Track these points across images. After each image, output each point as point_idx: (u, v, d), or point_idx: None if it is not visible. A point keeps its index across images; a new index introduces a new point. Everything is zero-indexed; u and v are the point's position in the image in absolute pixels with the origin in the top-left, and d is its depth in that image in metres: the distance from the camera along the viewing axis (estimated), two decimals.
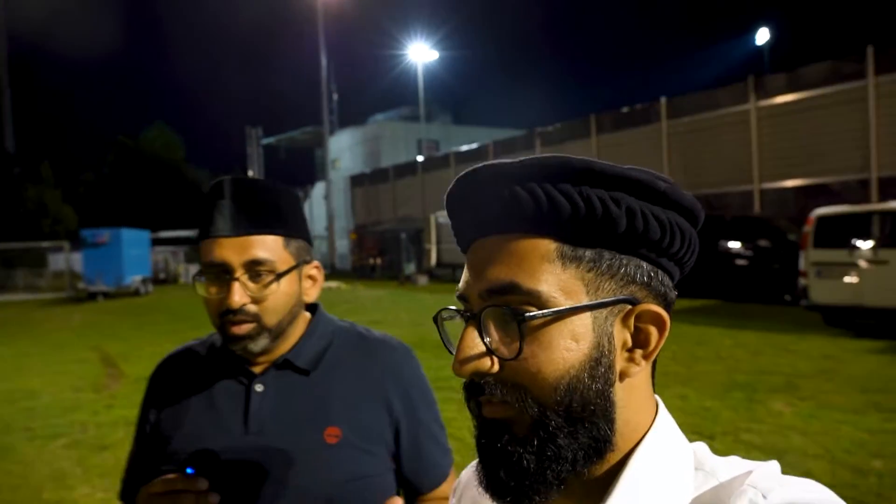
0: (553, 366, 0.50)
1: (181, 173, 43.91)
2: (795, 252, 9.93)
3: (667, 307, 0.54)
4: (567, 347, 0.50)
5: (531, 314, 0.50)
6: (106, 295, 20.96)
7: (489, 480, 0.53)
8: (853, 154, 13.84)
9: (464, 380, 0.54)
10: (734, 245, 12.75)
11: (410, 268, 23.98)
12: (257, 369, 1.06)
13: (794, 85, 15.05)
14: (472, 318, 0.53)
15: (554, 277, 0.51)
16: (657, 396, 0.57)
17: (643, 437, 0.54)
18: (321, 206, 49.83)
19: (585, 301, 0.51)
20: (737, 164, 15.80)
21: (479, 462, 0.54)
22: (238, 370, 1.07)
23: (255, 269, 1.00)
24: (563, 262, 0.51)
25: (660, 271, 0.54)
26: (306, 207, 54.48)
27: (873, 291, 8.21)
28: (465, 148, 27.45)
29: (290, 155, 66.17)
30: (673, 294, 0.56)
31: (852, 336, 8.40)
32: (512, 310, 0.50)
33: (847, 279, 8.49)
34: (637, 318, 0.53)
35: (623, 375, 0.52)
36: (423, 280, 21.01)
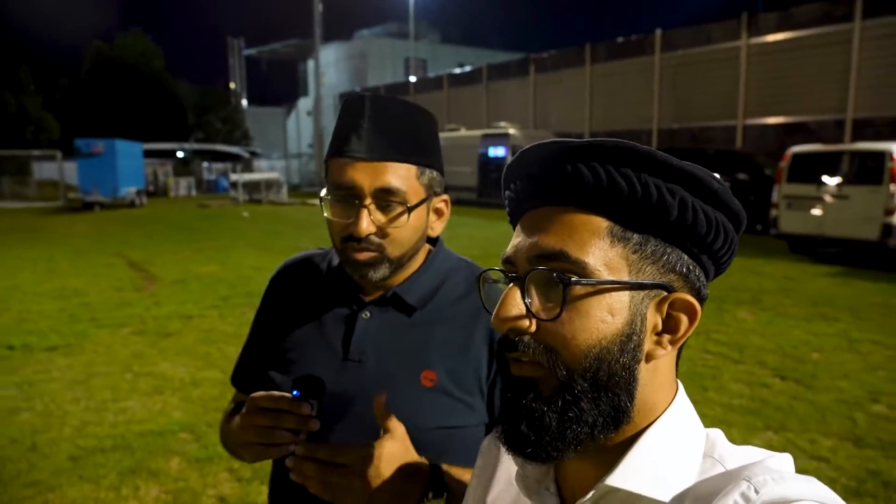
0: (587, 333, 0.52)
1: (161, 83, 42.85)
2: (770, 186, 10.87)
3: (700, 301, 0.56)
4: (603, 319, 0.52)
5: (575, 280, 0.52)
6: (102, 205, 21.32)
7: (510, 434, 0.55)
8: (832, 95, 14.57)
9: (502, 338, 0.56)
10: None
11: None
12: (368, 297, 1.05)
13: (785, 24, 15.54)
14: (518, 280, 0.55)
15: (601, 252, 0.53)
16: (679, 381, 0.60)
17: (659, 416, 0.56)
18: (307, 121, 49.38)
19: (626, 279, 0.53)
20: (724, 100, 16.45)
21: (503, 416, 0.57)
22: (350, 293, 1.06)
23: (386, 198, 0.97)
24: (612, 240, 0.54)
25: (698, 266, 0.57)
26: (290, 123, 53.88)
27: (834, 223, 9.24)
28: (458, 70, 27.47)
29: (273, 68, 64.61)
30: (706, 291, 0.58)
31: (812, 261, 9.49)
32: (559, 274, 0.52)
33: (813, 211, 9.48)
34: (671, 305, 0.55)
35: (650, 357, 0.55)
36: None
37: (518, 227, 0.59)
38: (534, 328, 0.54)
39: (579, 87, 20.23)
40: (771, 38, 15.80)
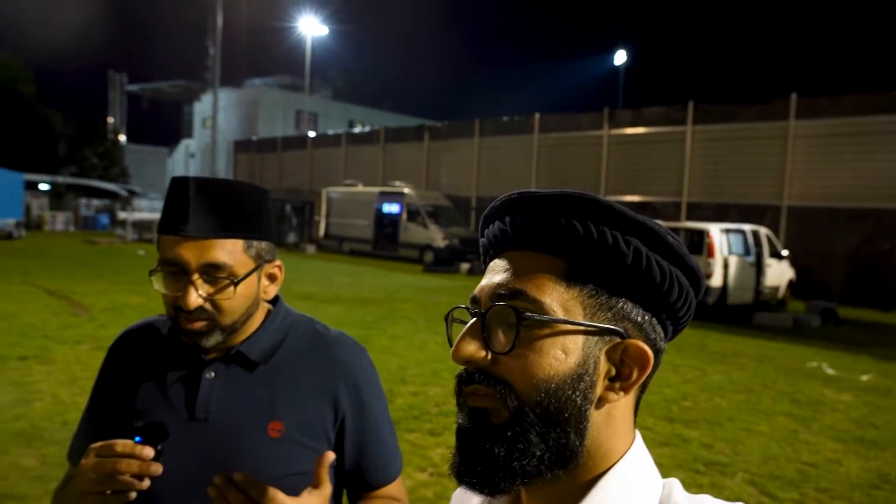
0: (540, 369, 0.55)
1: (33, 110, 40.62)
2: None
3: (656, 352, 0.58)
4: (556, 356, 0.55)
5: (530, 315, 0.55)
6: None
7: (461, 464, 0.57)
8: (672, 181, 17.81)
9: (460, 372, 0.59)
10: None
11: (291, 237, 25.39)
12: (211, 356, 1.07)
13: (637, 120, 18.86)
14: (479, 315, 0.58)
15: (558, 294, 0.56)
16: (637, 431, 0.60)
17: (615, 462, 0.57)
18: (188, 164, 48.44)
19: (581, 321, 0.56)
20: (589, 177, 19.36)
21: (456, 447, 0.58)
22: (193, 355, 1.07)
23: (212, 273, 1.01)
24: (569, 284, 0.56)
25: (654, 319, 0.58)
26: (169, 165, 52.43)
27: None
28: (356, 130, 29.16)
29: (156, 107, 62.85)
30: (662, 344, 0.59)
31: None
32: (514, 309, 0.55)
33: None
34: (623, 352, 0.57)
35: (602, 401, 0.56)
36: (311, 249, 22.64)
37: (487, 269, 0.62)
38: (490, 362, 0.56)
39: (468, 156, 22.58)
40: (627, 130, 19.04)
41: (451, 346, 0.60)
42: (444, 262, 18.48)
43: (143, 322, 1.19)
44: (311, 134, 31.66)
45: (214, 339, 1.04)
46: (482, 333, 0.57)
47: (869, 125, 14.84)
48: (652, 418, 5.24)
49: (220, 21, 30.42)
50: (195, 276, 1.01)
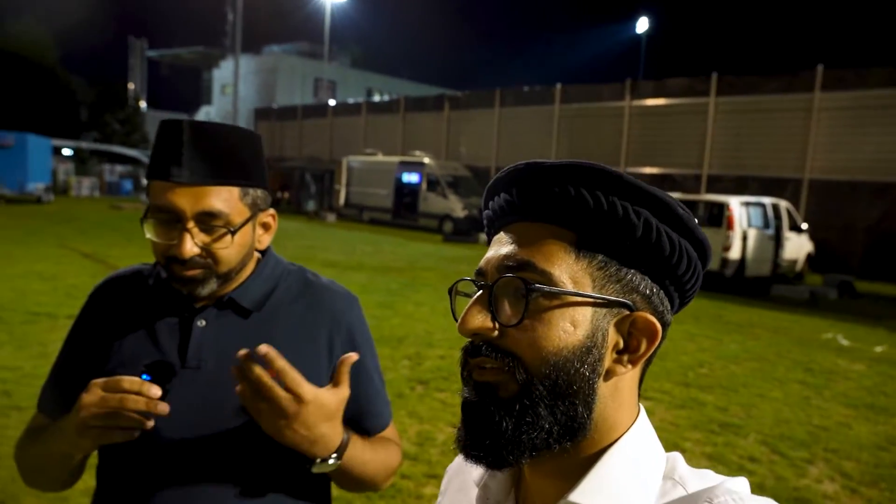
0: (548, 342, 0.54)
1: (56, 77, 41.02)
2: None
3: (664, 325, 0.58)
4: (564, 329, 0.54)
5: (538, 288, 0.54)
6: (7, 200, 20.79)
7: (467, 438, 0.57)
8: (693, 153, 17.76)
9: (466, 344, 0.58)
10: None
11: (311, 205, 25.70)
12: (202, 303, 1.05)
13: (659, 91, 18.72)
14: (486, 288, 0.57)
15: (566, 266, 0.55)
16: (641, 405, 0.61)
17: (620, 436, 0.57)
18: None
19: (590, 293, 0.55)
20: (609, 149, 19.34)
21: (462, 421, 0.58)
22: (182, 303, 1.05)
23: (208, 221, 0.98)
24: (578, 256, 0.56)
25: (662, 290, 0.58)
26: None
27: None
28: (377, 99, 29.16)
29: (176, 73, 63.09)
30: (669, 316, 0.59)
31: None
32: (523, 281, 0.55)
33: None
34: (632, 324, 0.56)
35: (610, 374, 0.56)
36: (331, 217, 22.92)
37: (493, 240, 0.62)
38: (496, 333, 0.56)
39: (488, 126, 22.57)
40: (648, 101, 18.93)
41: (455, 319, 0.59)
42: (463, 232, 18.68)
43: (129, 269, 1.16)
44: (332, 102, 31.74)
45: (209, 288, 1.02)
46: (489, 306, 0.57)
47: (894, 98, 14.66)
48: (669, 383, 5.48)
49: None
50: (190, 224, 0.98)
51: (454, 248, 16.21)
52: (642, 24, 44.09)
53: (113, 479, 1.04)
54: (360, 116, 27.94)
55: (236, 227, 1.01)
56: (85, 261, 10.29)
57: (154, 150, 1.00)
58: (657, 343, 0.57)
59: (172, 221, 0.98)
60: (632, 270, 0.57)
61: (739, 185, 16.23)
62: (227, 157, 1.00)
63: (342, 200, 23.79)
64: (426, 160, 20.80)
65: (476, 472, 0.65)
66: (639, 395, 0.61)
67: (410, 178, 21.19)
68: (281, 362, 0.87)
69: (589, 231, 0.56)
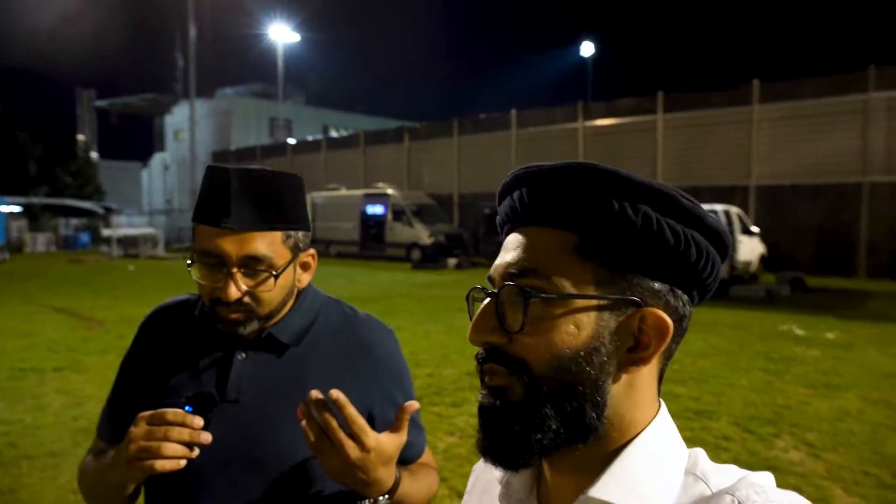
0: (551, 345, 0.55)
1: (0, 131, 40.22)
2: None
3: (678, 319, 0.57)
4: (568, 332, 0.55)
5: (537, 294, 0.55)
6: None
7: (484, 440, 0.58)
8: (645, 168, 18.53)
9: (477, 351, 0.60)
10: None
11: None
12: (243, 337, 1.08)
13: (610, 112, 19.61)
14: (493, 295, 0.58)
15: (569, 269, 0.56)
16: (661, 400, 0.60)
17: (639, 433, 0.57)
18: (159, 178, 48.06)
19: (592, 294, 0.55)
20: None
21: (479, 424, 0.59)
22: (225, 336, 1.08)
23: (252, 265, 1.01)
24: (581, 257, 0.56)
25: (673, 284, 0.57)
26: (144, 179, 52.07)
27: None
28: (336, 135, 29.54)
29: (126, 121, 62.39)
30: (687, 309, 0.58)
31: None
32: (521, 289, 0.56)
33: None
34: (641, 321, 0.56)
35: (621, 373, 0.56)
36: None
37: (502, 246, 0.62)
38: (505, 340, 0.57)
39: (448, 155, 23.15)
40: (600, 122, 19.78)
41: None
42: (431, 258, 19.01)
43: (175, 300, 1.19)
44: (291, 141, 31.95)
45: (251, 328, 1.05)
46: (496, 313, 0.58)
47: (826, 106, 15.73)
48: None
49: (192, 32, 30.52)
50: (234, 269, 1.01)
51: (424, 274, 16.48)
52: (587, 49, 45.76)
53: (158, 495, 1.06)
54: (321, 153, 28.23)
55: (279, 271, 1.04)
56: (59, 315, 10.19)
57: (201, 195, 1.04)
58: (668, 339, 0.56)
59: (218, 265, 1.02)
60: (637, 267, 0.56)
61: (692, 195, 16.88)
62: (271, 203, 1.03)
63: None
64: (390, 191, 21.15)
65: (497, 471, 0.65)
66: (659, 390, 0.61)
67: (375, 209, 21.48)
68: (350, 409, 0.88)
69: (590, 232, 0.56)
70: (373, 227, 21.55)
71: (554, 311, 0.55)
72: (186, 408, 0.91)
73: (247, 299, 1.03)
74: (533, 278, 0.56)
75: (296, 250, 1.08)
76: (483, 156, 22.29)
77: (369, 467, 0.90)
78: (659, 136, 18.40)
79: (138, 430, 0.90)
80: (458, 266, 18.22)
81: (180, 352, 1.10)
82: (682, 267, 0.57)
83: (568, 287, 0.56)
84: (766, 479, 0.55)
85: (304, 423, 0.90)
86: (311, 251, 1.14)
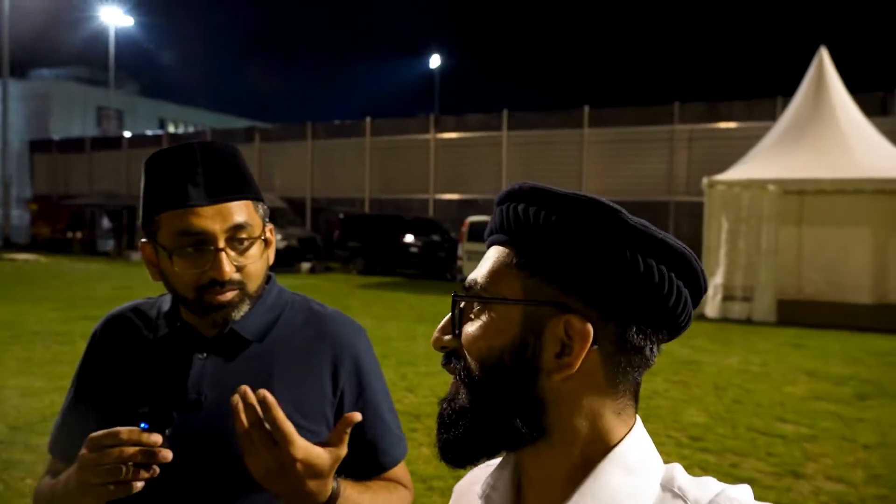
0: (480, 347, 0.59)
1: None
2: (455, 245, 14.99)
3: (618, 337, 0.57)
4: (494, 334, 0.59)
5: (459, 296, 0.62)
6: None
7: (437, 440, 0.62)
8: (492, 180, 19.97)
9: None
10: (410, 238, 17.54)
11: (109, 244, 23.80)
12: (204, 334, 1.04)
13: (460, 126, 20.80)
14: (454, 303, 0.63)
15: (504, 278, 0.60)
16: (637, 416, 0.61)
17: (614, 447, 0.58)
18: None
19: (518, 298, 0.59)
20: (419, 178, 20.91)
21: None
22: (184, 337, 1.04)
23: (238, 235, 0.99)
24: (516, 268, 0.60)
25: (607, 291, 0.57)
26: None
27: None
28: (181, 130, 27.84)
29: None
30: (638, 336, 0.57)
31: None
32: (454, 295, 0.62)
33: None
34: (567, 327, 0.57)
35: (551, 376, 0.57)
36: (136, 256, 21.46)
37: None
38: (454, 344, 0.62)
39: (302, 158, 22.92)
40: (451, 135, 20.89)
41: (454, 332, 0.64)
42: (284, 262, 18.80)
43: (128, 305, 1.13)
44: (127, 134, 29.60)
45: (243, 310, 1.01)
46: (451, 319, 0.63)
47: (641, 133, 18.11)
48: None
49: (6, 4, 27.29)
50: (222, 244, 0.97)
51: (278, 278, 16.26)
52: (435, 61, 47.35)
53: None
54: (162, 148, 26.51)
55: (264, 237, 1.03)
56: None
57: (156, 182, 0.99)
58: (588, 344, 0.56)
59: (203, 245, 0.97)
60: (565, 274, 0.57)
61: None
62: (234, 171, 1.01)
63: None
64: None
65: (478, 487, 0.67)
66: (635, 406, 0.61)
67: None
68: (276, 413, 0.82)
69: (521, 244, 0.60)
70: None
71: (482, 315, 0.61)
72: (142, 425, 0.85)
73: (237, 275, 0.99)
74: (476, 289, 0.62)
75: (264, 221, 1.06)
76: (337, 161, 22.45)
77: (295, 478, 0.84)
78: (504, 152, 19.88)
79: (89, 453, 0.84)
80: (312, 270, 18.24)
81: (136, 359, 1.06)
82: (616, 272, 0.57)
83: (497, 294, 0.60)
84: (745, 492, 0.56)
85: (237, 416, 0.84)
86: (271, 226, 1.10)
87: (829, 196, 10.54)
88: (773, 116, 14.41)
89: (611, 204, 0.59)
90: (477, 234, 13.92)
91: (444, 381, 6.15)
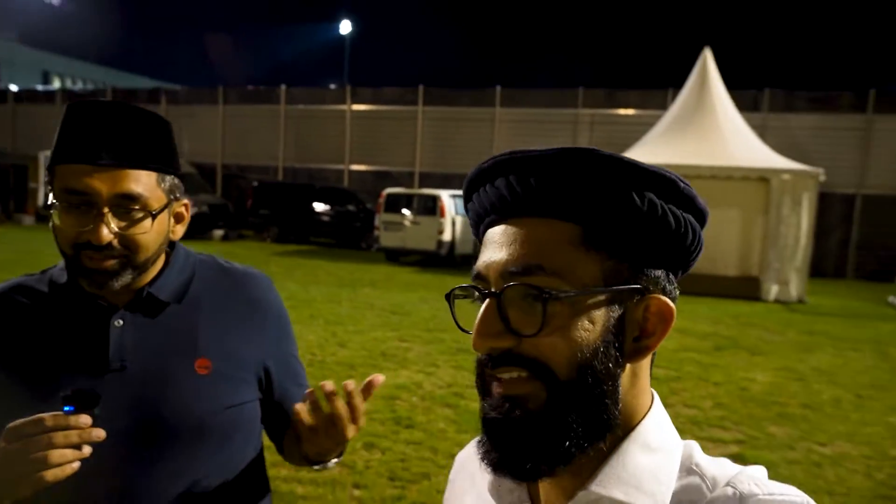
0: (570, 344, 0.52)
1: None
2: (372, 216, 15.53)
3: (673, 301, 0.56)
4: (584, 328, 0.53)
5: (555, 293, 0.52)
6: None
7: (499, 455, 0.54)
8: (407, 153, 20.56)
9: (480, 357, 0.56)
10: (322, 207, 17.86)
11: None
12: (116, 303, 1.00)
13: (376, 99, 21.11)
14: (493, 296, 0.54)
15: (577, 262, 0.53)
16: (653, 389, 0.59)
17: (637, 424, 0.56)
18: None
19: (602, 286, 0.54)
20: (334, 148, 21.10)
21: (487, 437, 0.55)
22: (91, 306, 1.00)
23: (126, 204, 0.94)
24: (586, 248, 0.54)
25: (669, 269, 0.57)
26: None
27: (412, 240, 14.25)
28: (79, 87, 26.12)
29: None
30: (676, 291, 0.58)
31: (400, 265, 14.30)
32: (537, 288, 0.52)
33: (400, 232, 14.33)
34: (646, 309, 0.55)
35: (629, 361, 0.55)
36: (28, 220, 20.38)
37: (487, 240, 0.58)
38: (513, 344, 0.54)
39: (213, 124, 22.36)
40: (365, 107, 21.19)
41: (457, 326, 0.58)
42: (195, 230, 18.53)
43: (12, 282, 1.07)
44: (13, 87, 27.41)
45: (125, 280, 0.97)
46: (499, 315, 0.54)
47: (548, 115, 19.28)
48: (419, 330, 7.34)
49: None
50: (105, 209, 0.93)
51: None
52: (345, 27, 46.26)
53: (58, 496, 0.91)
54: (55, 105, 24.89)
55: (156, 212, 0.98)
56: None
57: (64, 132, 0.95)
58: (672, 323, 0.55)
59: (86, 206, 0.93)
60: (641, 254, 0.55)
61: (445, 181, 19.35)
62: (146, 140, 0.97)
63: (41, 200, 21.20)
64: None
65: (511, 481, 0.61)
66: (650, 377, 0.60)
67: None
68: (359, 400, 0.95)
69: (595, 223, 0.54)
70: None
71: (568, 308, 0.53)
72: (67, 408, 0.82)
73: (118, 244, 0.95)
74: (541, 276, 0.54)
75: (171, 195, 1.02)
76: (251, 128, 22.15)
77: (347, 437, 0.97)
78: (419, 126, 20.47)
79: (12, 444, 0.80)
80: (225, 237, 18.16)
81: (42, 335, 1.00)
82: (679, 251, 0.57)
83: (579, 282, 0.54)
84: (762, 472, 0.56)
85: (303, 407, 0.94)
86: (185, 201, 1.08)
87: (706, 181, 11.96)
88: (664, 106, 15.87)
89: (668, 174, 0.55)
90: (393, 204, 14.54)
91: (372, 338, 7.06)
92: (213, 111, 22.53)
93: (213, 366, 1.02)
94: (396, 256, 14.95)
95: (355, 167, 21.14)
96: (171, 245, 1.10)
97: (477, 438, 0.60)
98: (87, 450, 0.82)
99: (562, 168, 0.55)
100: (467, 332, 0.57)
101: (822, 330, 8.77)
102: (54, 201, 0.95)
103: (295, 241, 17.88)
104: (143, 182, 0.97)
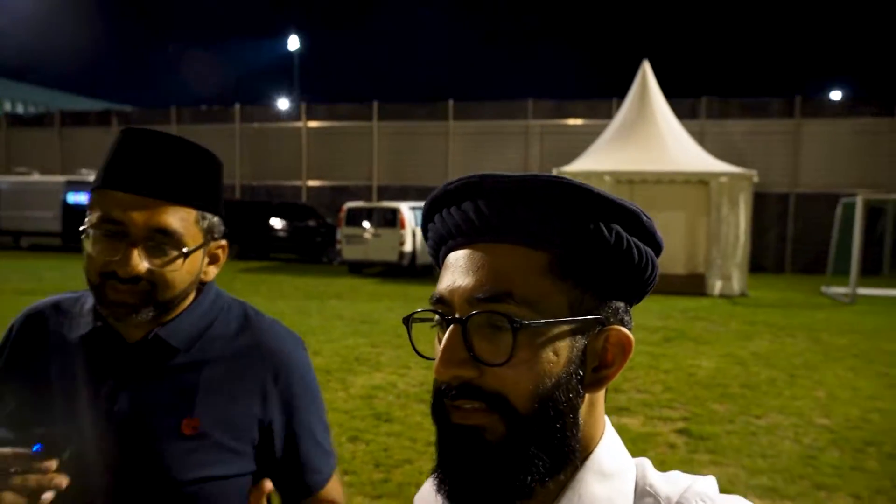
0: (534, 376, 0.51)
1: None
2: (333, 230, 15.79)
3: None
4: (549, 360, 0.52)
5: (526, 322, 0.51)
6: None
7: (455, 487, 0.53)
8: (364, 168, 20.86)
9: (440, 384, 0.55)
10: (282, 223, 18.05)
11: None
12: (129, 340, 0.97)
13: (332, 115, 21.39)
14: (459, 322, 0.53)
15: (546, 290, 0.53)
16: (606, 416, 0.60)
17: (592, 450, 0.56)
18: None
19: (568, 316, 0.53)
20: (291, 165, 21.25)
21: (441, 470, 0.54)
22: (105, 339, 0.97)
23: (160, 239, 0.92)
24: (554, 277, 0.53)
25: (626, 301, 0.58)
26: None
27: (374, 252, 14.60)
28: (21, 111, 25.50)
29: None
30: (632, 322, 0.58)
31: (363, 277, 14.59)
32: (507, 317, 0.51)
33: (362, 245, 14.64)
34: (606, 340, 0.55)
35: (588, 391, 0.55)
36: None
37: (450, 263, 0.57)
38: (476, 373, 0.53)
39: None
40: (321, 123, 21.43)
41: (415, 351, 0.58)
42: None
43: (50, 300, 1.07)
44: None
45: (144, 316, 0.93)
46: (467, 344, 0.53)
47: (502, 126, 19.90)
48: (385, 337, 7.68)
49: None
50: (139, 241, 0.91)
51: None
52: (293, 43, 46.00)
53: None
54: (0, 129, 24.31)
55: (190, 251, 0.95)
56: None
57: (111, 157, 0.95)
58: (630, 354, 0.56)
59: (119, 235, 0.91)
60: (604, 285, 0.55)
61: (402, 193, 19.70)
62: (191, 175, 0.95)
63: None
64: None
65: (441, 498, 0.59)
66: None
67: (80, 198, 19.71)
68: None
69: (564, 252, 0.54)
70: (79, 217, 19.48)
71: (535, 339, 0.52)
72: (35, 447, 0.78)
73: (145, 278, 0.92)
74: (510, 304, 0.52)
75: (208, 236, 1.00)
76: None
77: None
78: (374, 141, 20.83)
79: None
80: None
81: (54, 359, 1.00)
82: (638, 283, 0.57)
83: (548, 311, 0.53)
84: (711, 483, 0.56)
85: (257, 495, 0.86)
86: (223, 242, 1.05)
87: (652, 185, 12.70)
88: (609, 115, 16.65)
89: (632, 207, 0.56)
90: (354, 218, 14.85)
91: (344, 346, 7.54)
92: (167, 131, 22.27)
93: (202, 427, 0.95)
94: (359, 269, 15.23)
95: (312, 183, 21.33)
96: (202, 285, 1.05)
97: (432, 470, 0.58)
98: (47, 496, 0.78)
99: (534, 196, 0.55)
100: (427, 357, 0.56)
101: (762, 320, 9.49)
102: (88, 228, 0.94)
103: (256, 257, 17.96)
104: (181, 218, 0.95)
